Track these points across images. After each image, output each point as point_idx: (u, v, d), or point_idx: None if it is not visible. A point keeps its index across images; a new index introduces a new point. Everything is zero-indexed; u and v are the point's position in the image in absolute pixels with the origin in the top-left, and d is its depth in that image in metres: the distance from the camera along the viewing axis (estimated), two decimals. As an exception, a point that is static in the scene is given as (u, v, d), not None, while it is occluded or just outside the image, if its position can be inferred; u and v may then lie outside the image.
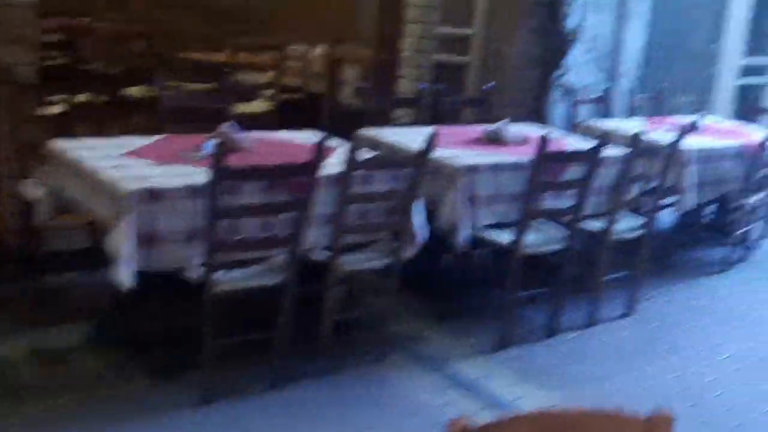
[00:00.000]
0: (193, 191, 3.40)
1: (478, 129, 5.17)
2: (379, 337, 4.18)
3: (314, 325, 3.88)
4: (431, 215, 4.26)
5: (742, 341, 4.90)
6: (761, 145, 5.96)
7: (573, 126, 6.26)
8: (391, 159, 4.23)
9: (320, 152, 3.52)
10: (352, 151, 3.72)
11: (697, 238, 6.60)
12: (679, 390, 4.21)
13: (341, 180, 3.70)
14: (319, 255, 3.78)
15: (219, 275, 3.43)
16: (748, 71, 9.01)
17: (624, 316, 5.07)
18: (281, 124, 5.56)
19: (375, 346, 4.16)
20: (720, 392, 4.24)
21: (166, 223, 3.35)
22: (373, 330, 4.16)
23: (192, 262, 3.40)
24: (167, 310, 3.75)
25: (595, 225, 4.81)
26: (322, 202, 3.69)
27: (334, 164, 3.80)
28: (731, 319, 5.22)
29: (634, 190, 5.05)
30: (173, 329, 3.79)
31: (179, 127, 4.49)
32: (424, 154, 3.94)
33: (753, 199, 6.14)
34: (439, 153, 4.23)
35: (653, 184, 5.09)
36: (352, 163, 3.70)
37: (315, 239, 3.73)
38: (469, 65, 6.92)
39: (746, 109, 8.06)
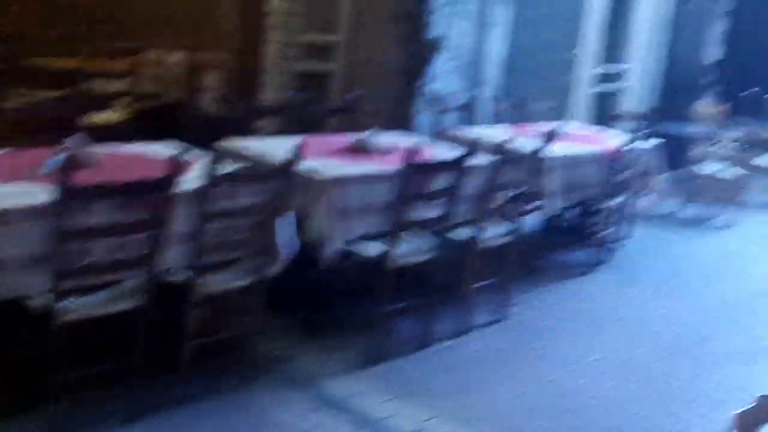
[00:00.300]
0: (36, 212, 3.12)
1: (345, 138, 5.05)
2: (244, 360, 3.98)
3: (174, 350, 3.64)
4: (299, 228, 4.10)
5: (608, 343, 4.97)
6: (619, 150, 6.10)
7: (438, 134, 6.23)
8: (254, 172, 4.03)
9: (177, 167, 3.31)
10: (213, 164, 3.51)
11: (561, 241, 6.70)
12: (552, 396, 4.21)
13: (200, 196, 3.49)
14: (178, 276, 3.55)
15: (67, 303, 3.16)
16: (604, 78, 9.29)
17: (495, 322, 5.06)
18: (138, 133, 5.26)
19: (240, 369, 3.96)
20: (592, 395, 4.27)
21: (5, 248, 3.06)
22: (238, 352, 3.96)
23: (37, 290, 3.11)
24: (8, 341, 3.43)
25: (463, 233, 4.78)
26: (180, 220, 3.47)
27: (192, 179, 3.59)
28: (597, 322, 5.30)
29: (501, 198, 5.05)
30: (16, 363, 3.48)
31: (25, 140, 4.16)
32: (289, 165, 3.78)
33: (612, 203, 6.28)
34: (306, 164, 4.09)
35: (519, 190, 5.11)
36: (212, 178, 3.49)
37: (173, 259, 3.51)
38: (334, 73, 6.80)
39: (605, 115, 8.29)
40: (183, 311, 3.57)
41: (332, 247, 4.19)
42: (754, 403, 2.07)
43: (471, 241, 4.78)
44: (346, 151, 4.85)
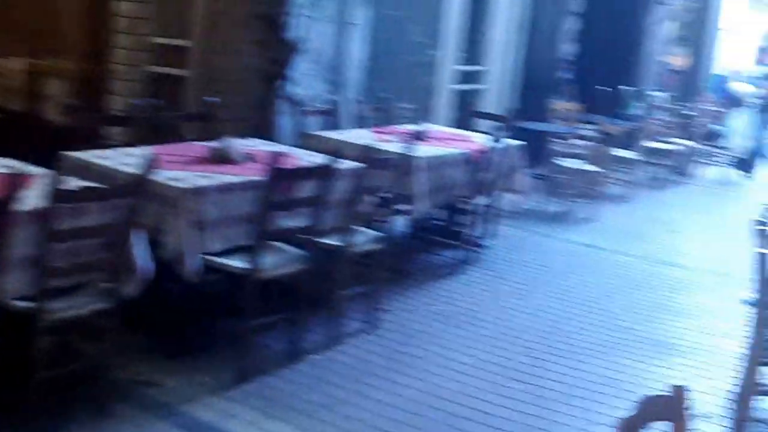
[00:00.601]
0: None
1: (202, 147, 4.81)
2: (100, 388, 3.69)
3: (21, 385, 3.32)
4: (156, 245, 3.84)
5: (480, 344, 4.93)
6: (483, 150, 6.11)
7: (300, 139, 6.06)
8: (103, 187, 3.74)
9: (15, 184, 3.01)
10: (57, 179, 3.23)
11: (429, 243, 6.65)
12: (427, 402, 4.12)
13: (44, 215, 3.19)
14: (21, 304, 3.24)
15: None
16: (464, 79, 9.35)
17: (366, 330, 4.93)
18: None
19: (98, 399, 3.67)
20: (467, 398, 4.20)
21: None
22: (94, 381, 3.67)
23: None
24: None
25: (331, 241, 4.63)
26: (22, 242, 3.16)
27: (35, 196, 3.28)
28: (468, 322, 5.25)
29: (369, 203, 4.94)
30: None
31: None
32: (142, 178, 3.53)
33: (479, 202, 6.29)
34: (160, 176, 3.85)
35: (386, 194, 5.01)
36: (56, 195, 3.21)
37: (15, 286, 3.19)
38: (188, 78, 6.52)
39: (467, 115, 8.33)
40: (29, 341, 3.26)
41: (193, 263, 3.95)
42: (637, 406, 2.01)
43: (339, 249, 4.64)
44: (204, 160, 4.61)
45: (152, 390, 3.93)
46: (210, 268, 4.10)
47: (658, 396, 1.99)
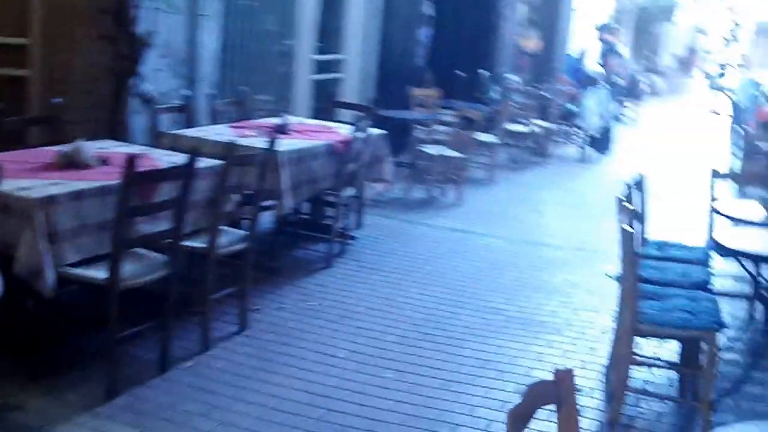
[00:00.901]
0: None
1: (50, 152, 4.52)
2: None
3: None
4: (6, 261, 3.58)
5: (355, 337, 4.87)
6: (346, 141, 6.03)
7: (156, 137, 5.82)
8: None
9: None
10: None
11: (298, 237, 6.53)
12: (306, 400, 4.02)
13: None
14: None
15: None
16: (323, 68, 9.25)
17: (238, 332, 4.78)
18: None
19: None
20: (346, 393, 4.13)
21: None
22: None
23: None
24: None
25: (195, 243, 4.45)
26: None
27: None
28: (343, 315, 5.18)
29: (232, 202, 4.79)
30: None
31: None
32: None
33: (345, 194, 6.21)
34: (6, 186, 3.59)
35: (250, 191, 4.87)
36: None
37: None
38: (29, 79, 6.15)
39: (327, 105, 8.23)
40: None
41: (48, 277, 3.70)
42: (524, 393, 1.98)
43: (204, 251, 4.46)
44: (54, 166, 4.33)
45: (15, 413, 3.67)
46: (69, 280, 3.86)
47: (543, 381, 1.96)
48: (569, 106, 12.50)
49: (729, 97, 14.67)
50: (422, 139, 9.08)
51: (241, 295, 4.84)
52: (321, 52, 9.24)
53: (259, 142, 5.43)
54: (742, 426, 2.97)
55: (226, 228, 4.74)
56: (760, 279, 4.92)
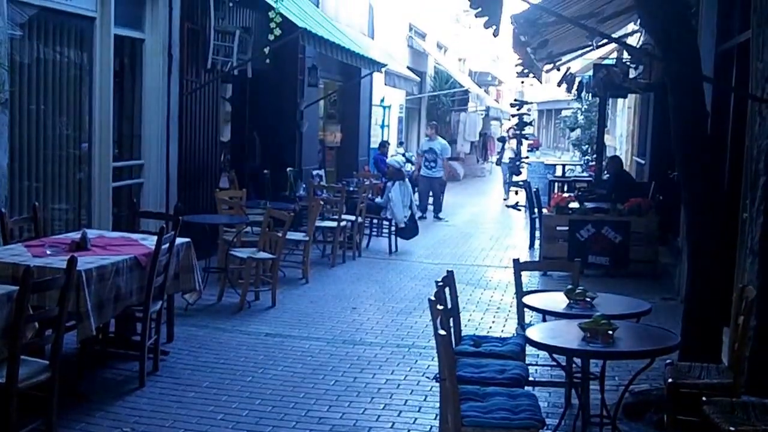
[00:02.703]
0: None
1: None
2: None
3: None
4: None
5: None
6: (150, 253, 5.81)
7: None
8: None
9: None
10: None
11: (106, 357, 6.17)
12: None
13: None
14: None
15: None
16: (122, 175, 8.95)
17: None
18: None
19: None
20: None
21: None
22: None
23: None
24: None
25: (-8, 379, 4.10)
26: None
27: None
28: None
29: (31, 329, 4.46)
30: None
31: None
32: None
33: (153, 308, 5.95)
34: None
35: (49, 314, 4.57)
36: None
37: None
38: None
39: (127, 213, 7.96)
40: None
41: None
42: None
43: (4, 386, 4.11)
44: None
45: None
46: None
47: None
48: (377, 200, 12.75)
49: (523, 188, 15.55)
50: (231, 242, 8.93)
51: (48, 429, 4.48)
52: (120, 158, 8.96)
53: (58, 262, 5.12)
54: None
55: (26, 358, 4.39)
56: (572, 368, 5.09)
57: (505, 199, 20.15)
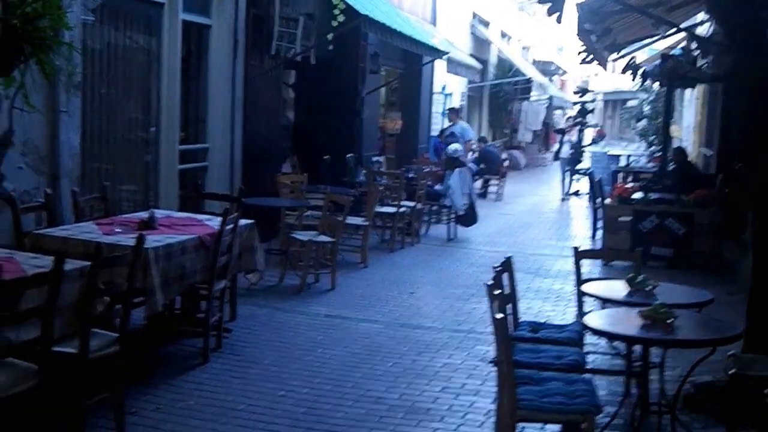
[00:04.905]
0: None
1: None
2: None
3: None
4: None
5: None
6: (215, 233, 5.94)
7: (19, 238, 5.58)
8: None
9: None
10: None
11: (171, 334, 6.34)
12: None
13: None
14: None
15: None
16: (187, 158, 9.14)
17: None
18: None
19: None
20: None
21: None
22: None
23: None
24: None
25: (66, 349, 4.26)
26: None
27: None
28: (220, 414, 5.04)
29: (101, 303, 4.61)
30: None
31: None
32: None
33: (217, 287, 6.10)
34: None
35: (119, 291, 4.72)
36: None
37: None
38: None
39: (193, 195, 8.13)
40: None
41: None
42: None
43: (76, 356, 4.27)
44: None
45: None
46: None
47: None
48: (436, 187, 12.79)
49: (585, 175, 15.29)
50: (292, 225, 9.06)
51: (116, 399, 4.64)
52: (186, 141, 9.15)
53: (127, 240, 5.28)
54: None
55: (96, 330, 4.55)
56: (632, 356, 5.08)
57: (562, 198, 18.86)
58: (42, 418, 4.02)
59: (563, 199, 18.67)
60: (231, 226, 6.10)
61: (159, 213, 6.45)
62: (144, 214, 6.26)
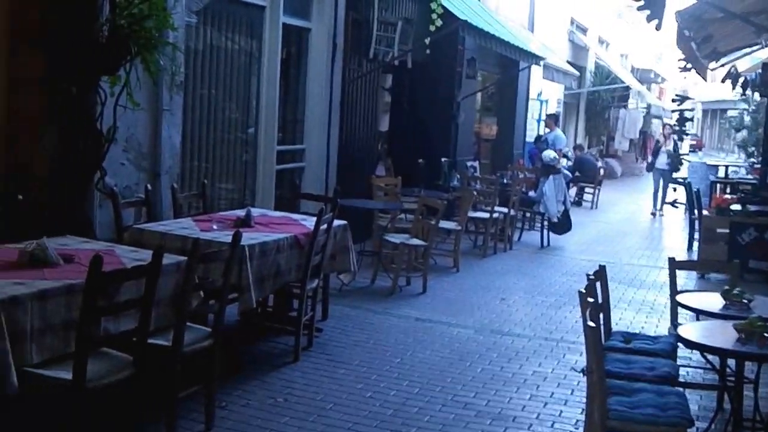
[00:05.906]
0: None
1: (13, 250, 4.44)
2: None
3: None
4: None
5: (327, 434, 4.77)
6: (309, 233, 6.02)
7: (119, 232, 5.77)
8: None
9: None
10: None
11: (263, 330, 6.46)
12: None
13: None
14: None
15: None
16: (284, 158, 9.30)
17: (205, 431, 4.66)
18: None
19: None
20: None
21: None
22: None
23: None
24: None
25: (161, 341, 4.38)
26: None
27: None
28: (309, 412, 5.08)
29: (197, 298, 4.73)
30: None
31: None
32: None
33: (310, 286, 6.17)
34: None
35: (214, 286, 4.84)
36: None
37: None
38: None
39: (289, 195, 8.27)
40: None
41: (11, 378, 3.59)
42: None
43: (170, 349, 4.38)
44: (16, 265, 4.25)
45: None
46: (32, 383, 3.76)
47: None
48: (531, 194, 12.66)
49: (682, 185, 14.81)
50: (385, 227, 9.11)
51: (207, 393, 4.74)
52: (283, 142, 9.31)
53: (223, 237, 5.40)
54: None
55: (191, 324, 4.66)
56: (726, 371, 4.94)
57: (653, 213, 17.20)
58: (135, 407, 4.14)
59: (653, 214, 17.30)
60: (325, 226, 6.17)
61: (255, 211, 6.58)
62: (241, 212, 6.39)
